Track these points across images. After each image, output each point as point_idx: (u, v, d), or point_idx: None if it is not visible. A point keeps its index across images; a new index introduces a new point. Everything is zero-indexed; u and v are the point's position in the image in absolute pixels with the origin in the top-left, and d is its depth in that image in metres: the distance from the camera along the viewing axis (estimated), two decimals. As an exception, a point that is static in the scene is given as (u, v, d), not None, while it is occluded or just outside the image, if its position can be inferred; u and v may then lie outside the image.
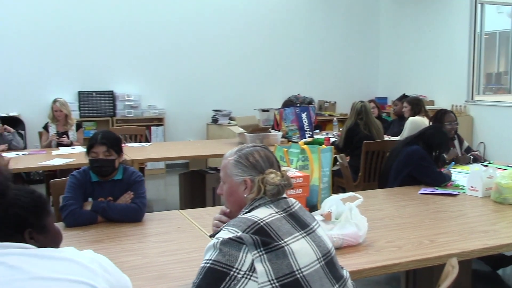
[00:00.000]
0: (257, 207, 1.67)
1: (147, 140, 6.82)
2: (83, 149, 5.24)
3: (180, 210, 2.99)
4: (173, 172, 7.61)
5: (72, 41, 7.42)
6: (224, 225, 1.67)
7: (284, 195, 1.73)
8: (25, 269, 1.31)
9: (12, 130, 5.46)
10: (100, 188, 2.84)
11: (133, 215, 2.74)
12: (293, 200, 1.76)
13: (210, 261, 1.54)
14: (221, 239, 1.55)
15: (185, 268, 2.10)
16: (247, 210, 1.68)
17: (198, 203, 5.18)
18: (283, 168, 1.80)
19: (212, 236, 1.81)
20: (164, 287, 1.92)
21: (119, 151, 2.88)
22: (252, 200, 1.70)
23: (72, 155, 4.96)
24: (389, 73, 9.31)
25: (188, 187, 5.46)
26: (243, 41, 8.42)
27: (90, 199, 2.80)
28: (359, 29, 9.28)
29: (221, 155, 6.16)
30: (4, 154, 4.32)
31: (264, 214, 1.63)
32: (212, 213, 2.89)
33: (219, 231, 1.65)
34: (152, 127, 7.72)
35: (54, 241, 1.53)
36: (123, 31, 7.68)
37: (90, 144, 2.86)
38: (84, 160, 4.72)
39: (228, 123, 7.91)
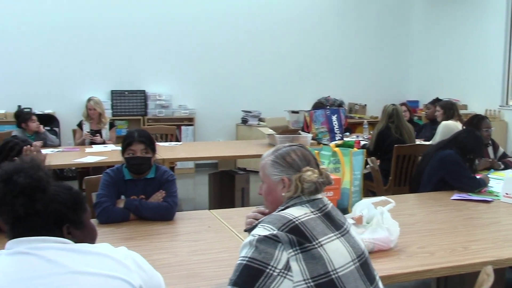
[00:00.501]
0: (292, 205, 1.68)
1: (177, 140, 6.88)
2: (115, 147, 5.36)
3: (211, 210, 3.02)
4: (202, 171, 7.66)
5: (106, 41, 7.55)
6: (259, 221, 1.69)
7: (320, 195, 1.73)
8: (63, 263, 1.35)
9: (42, 130, 5.56)
10: (133, 186, 2.88)
11: (164, 214, 2.77)
12: (326, 199, 1.76)
13: (247, 258, 1.55)
14: (257, 236, 1.57)
15: (216, 267, 2.12)
16: (282, 208, 1.69)
17: (227, 203, 5.21)
18: (321, 166, 1.80)
19: (246, 230, 1.82)
20: (195, 286, 1.94)
21: (155, 150, 2.93)
22: (288, 199, 1.71)
23: (104, 153, 5.04)
24: (421, 76, 9.18)
25: (217, 187, 5.49)
26: (274, 42, 8.42)
27: (123, 197, 2.85)
28: (391, 31, 9.18)
29: (251, 156, 6.22)
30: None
31: (299, 213, 1.64)
32: (242, 213, 2.90)
33: (254, 227, 1.66)
34: (182, 127, 7.78)
35: (89, 236, 1.56)
36: (156, 31, 7.77)
37: (127, 142, 2.89)
38: (116, 158, 4.81)
39: (258, 124, 7.93)
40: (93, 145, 5.54)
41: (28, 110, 6.64)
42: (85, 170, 5.39)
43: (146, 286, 1.45)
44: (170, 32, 7.84)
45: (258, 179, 1.92)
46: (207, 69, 8.09)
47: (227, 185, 5.35)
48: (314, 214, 1.66)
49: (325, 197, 1.77)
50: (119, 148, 5.41)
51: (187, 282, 1.97)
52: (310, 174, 1.71)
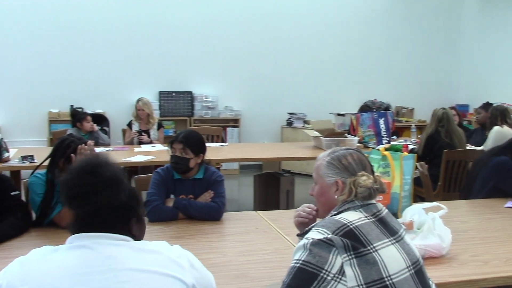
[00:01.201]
0: (346, 210, 1.67)
1: (223, 141, 6.95)
2: (163, 147, 5.46)
3: (257, 211, 3.03)
4: (246, 173, 7.70)
5: (155, 43, 7.70)
6: (312, 225, 1.68)
7: (373, 200, 1.71)
8: (120, 259, 1.38)
9: (95, 129, 5.72)
10: (182, 186, 2.93)
11: (213, 214, 2.81)
12: (381, 205, 1.74)
13: (300, 262, 1.54)
14: (311, 240, 1.56)
15: (264, 269, 2.12)
16: (335, 212, 1.68)
17: (271, 205, 5.21)
18: (376, 173, 1.78)
19: (299, 235, 1.81)
20: (244, 287, 1.95)
21: (197, 152, 2.94)
22: (342, 202, 1.70)
23: (153, 152, 5.15)
24: (471, 79, 8.91)
25: (262, 189, 5.50)
26: (320, 45, 8.37)
27: (172, 196, 2.90)
28: (441, 33, 8.96)
29: (296, 158, 6.21)
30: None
31: (353, 217, 1.63)
32: (289, 215, 2.90)
33: (307, 231, 1.66)
34: (227, 128, 7.85)
35: (143, 232, 1.60)
36: (203, 33, 7.87)
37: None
38: (164, 158, 4.90)
39: (303, 126, 7.91)
40: (141, 145, 5.66)
41: (80, 109, 6.85)
42: (133, 169, 5.52)
43: (198, 284, 1.47)
44: (217, 33, 7.92)
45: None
46: (253, 70, 8.13)
47: (272, 187, 5.36)
48: (368, 219, 1.64)
49: (379, 203, 1.74)
50: (167, 148, 5.53)
51: (236, 282, 1.98)
52: (365, 179, 1.69)
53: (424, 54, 8.91)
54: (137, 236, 1.52)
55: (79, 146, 2.64)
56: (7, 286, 1.33)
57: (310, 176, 7.12)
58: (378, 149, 2.88)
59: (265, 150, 5.95)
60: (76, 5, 7.39)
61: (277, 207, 5.13)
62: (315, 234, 1.58)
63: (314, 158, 6.41)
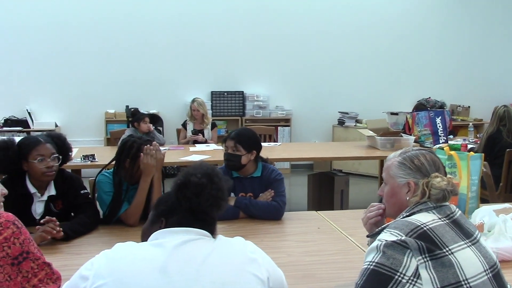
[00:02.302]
0: (419, 211, 1.63)
1: (274, 140, 6.96)
2: (217, 147, 5.53)
3: (318, 211, 3.02)
4: (297, 172, 7.69)
5: (207, 44, 7.79)
6: (383, 226, 1.66)
7: (447, 202, 1.67)
8: (201, 254, 1.43)
9: (151, 129, 5.85)
10: (241, 184, 2.95)
11: (274, 213, 2.81)
12: (454, 206, 1.69)
13: (374, 263, 1.52)
14: (385, 241, 1.53)
15: (331, 269, 2.11)
16: (407, 214, 1.64)
17: (325, 205, 5.18)
18: (448, 176, 1.74)
19: (369, 236, 1.79)
20: (313, 287, 1.95)
21: (250, 149, 2.93)
22: (414, 204, 1.66)
23: (207, 152, 5.21)
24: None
25: (316, 189, 5.48)
26: (372, 42, 8.25)
27: (232, 195, 2.93)
28: (499, 27, 8.65)
29: (349, 158, 6.14)
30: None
31: (427, 219, 1.59)
32: (350, 216, 2.90)
33: (378, 232, 1.64)
34: (278, 128, 7.85)
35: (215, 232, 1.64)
36: (254, 34, 7.91)
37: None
38: (219, 157, 4.95)
39: (355, 125, 7.82)
40: (195, 144, 5.74)
41: (135, 109, 7.02)
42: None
43: (271, 279, 1.50)
44: (268, 33, 7.94)
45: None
46: (304, 70, 8.11)
47: (325, 186, 5.33)
48: (442, 221, 1.60)
49: (453, 205, 1.70)
50: (221, 147, 5.58)
51: (304, 282, 1.98)
52: (439, 181, 1.64)
53: (481, 49, 8.64)
54: (212, 233, 1.57)
55: (145, 146, 2.69)
56: (94, 276, 1.38)
57: (363, 176, 7.10)
58: (442, 149, 2.81)
59: (317, 149, 5.92)
60: (134, 8, 7.57)
61: (331, 207, 5.10)
62: (387, 235, 1.55)
63: (368, 158, 6.36)
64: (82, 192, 2.69)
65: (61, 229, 2.30)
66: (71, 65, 7.47)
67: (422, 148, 1.79)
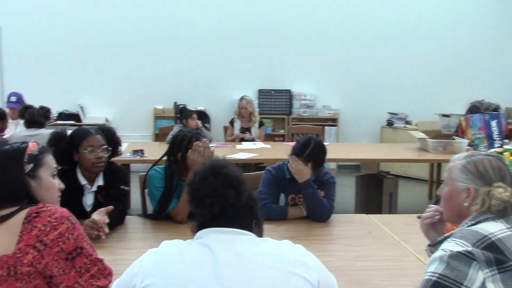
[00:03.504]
0: (485, 220, 1.54)
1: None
2: (264, 145, 5.50)
3: (368, 215, 2.94)
4: (343, 173, 7.57)
5: (255, 42, 7.78)
6: (446, 235, 1.57)
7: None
8: (248, 256, 1.40)
9: (199, 125, 5.88)
10: (292, 186, 2.90)
11: (324, 213, 2.77)
12: None
13: (437, 275, 1.43)
14: (449, 252, 1.45)
15: (383, 276, 2.04)
16: (473, 222, 1.55)
17: (373, 207, 5.08)
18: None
19: (431, 245, 1.71)
20: (365, 293, 1.89)
21: (319, 168, 2.86)
22: (478, 212, 1.57)
23: (254, 150, 5.19)
24: None
25: (364, 190, 5.37)
26: (423, 42, 8.02)
27: (282, 195, 2.89)
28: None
29: (399, 160, 5.98)
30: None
31: (494, 228, 1.49)
32: (403, 220, 2.81)
33: (440, 241, 1.56)
34: (325, 127, 7.76)
35: (261, 234, 1.61)
36: (302, 32, 7.84)
37: (296, 152, 2.81)
38: (266, 155, 4.92)
39: (404, 127, 7.63)
40: (242, 142, 5.73)
41: (184, 106, 7.08)
42: (234, 166, 5.58)
43: (322, 283, 1.45)
44: (315, 32, 7.85)
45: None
46: (352, 68, 7.97)
47: (373, 188, 5.22)
48: (511, 231, 1.51)
49: None
50: (268, 146, 5.54)
51: (355, 288, 1.93)
52: (501, 192, 1.54)
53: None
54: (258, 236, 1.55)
55: (195, 142, 2.69)
56: (143, 275, 1.39)
57: (411, 179, 6.88)
58: (501, 153, 2.68)
59: (365, 150, 5.80)
60: (184, 6, 7.64)
61: (379, 210, 4.99)
62: (452, 245, 1.47)
63: (419, 161, 6.18)
64: (122, 187, 2.70)
65: (105, 232, 2.27)
66: (122, 62, 7.62)
67: (490, 154, 1.68)
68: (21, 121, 5.12)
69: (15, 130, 5.46)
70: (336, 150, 5.71)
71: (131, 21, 7.57)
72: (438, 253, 1.48)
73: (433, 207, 1.87)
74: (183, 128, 5.57)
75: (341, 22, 7.88)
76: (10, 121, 5.77)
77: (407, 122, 7.77)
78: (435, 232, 1.83)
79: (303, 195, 2.78)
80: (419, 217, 1.75)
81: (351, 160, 5.97)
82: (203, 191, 1.49)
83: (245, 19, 7.75)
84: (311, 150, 2.79)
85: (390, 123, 7.87)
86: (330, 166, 7.75)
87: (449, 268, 1.42)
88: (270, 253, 1.43)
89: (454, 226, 1.78)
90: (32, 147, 1.66)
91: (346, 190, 6.20)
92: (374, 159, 5.88)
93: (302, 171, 2.75)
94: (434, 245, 1.62)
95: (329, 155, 5.08)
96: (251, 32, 7.78)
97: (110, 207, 2.35)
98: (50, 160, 1.70)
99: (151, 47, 7.64)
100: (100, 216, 2.28)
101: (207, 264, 1.37)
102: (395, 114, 7.86)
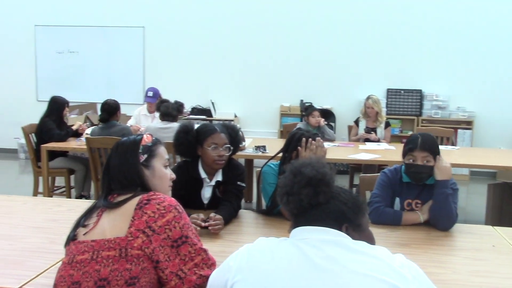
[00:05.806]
0: None
1: (453, 144, 6.46)
2: (389, 147, 5.33)
3: (494, 227, 2.71)
4: (477, 180, 7.06)
5: (384, 40, 7.57)
6: None
7: None
8: (340, 261, 1.36)
9: (322, 123, 5.86)
10: (409, 190, 2.76)
11: (449, 221, 2.59)
12: None
13: None
14: None
15: (503, 295, 1.87)
16: None
17: (506, 220, 4.65)
18: None
19: None
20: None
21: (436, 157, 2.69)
22: None
23: (378, 151, 5.04)
24: None
25: (496, 200, 4.95)
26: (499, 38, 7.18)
27: (397, 199, 2.77)
28: None
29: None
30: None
31: None
32: (535, 237, 2.53)
33: None
34: (458, 130, 7.29)
35: (368, 240, 1.53)
36: (432, 29, 7.45)
37: (409, 147, 2.69)
38: (390, 157, 4.77)
39: (551, 133, 6.90)
40: (366, 142, 5.60)
41: (308, 104, 7.11)
42: (357, 166, 5.49)
43: None
44: (449, 29, 7.40)
45: None
46: (490, 68, 7.40)
47: (508, 199, 4.78)
48: None
49: None
50: (392, 147, 5.36)
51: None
52: None
53: None
54: None
55: (309, 140, 2.68)
56: (236, 268, 1.42)
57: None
58: None
59: (503, 156, 5.36)
60: (310, 5, 7.66)
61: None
62: None
63: None
64: (239, 183, 2.78)
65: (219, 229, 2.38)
66: (251, 61, 7.88)
67: None
68: (157, 114, 5.52)
69: (152, 122, 5.90)
70: (469, 155, 5.36)
71: (260, 23, 7.80)
72: None
73: None
74: (306, 126, 5.60)
75: (477, 18, 7.34)
76: (147, 114, 6.25)
77: (555, 128, 7.02)
78: None
79: (435, 194, 2.61)
80: None
81: (484, 167, 5.51)
82: (283, 189, 1.53)
83: (376, 15, 7.57)
84: (424, 138, 2.68)
85: (534, 128, 7.17)
86: (462, 171, 7.28)
87: None
88: (363, 260, 1.37)
89: None
90: (147, 139, 1.78)
91: (478, 198, 5.79)
92: (507, 167, 5.39)
93: (447, 168, 2.62)
94: None
95: (460, 160, 4.87)
96: (382, 28, 7.57)
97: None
98: (162, 151, 1.82)
99: (279, 46, 7.79)
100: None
101: (296, 264, 1.36)
102: (541, 118, 7.14)
